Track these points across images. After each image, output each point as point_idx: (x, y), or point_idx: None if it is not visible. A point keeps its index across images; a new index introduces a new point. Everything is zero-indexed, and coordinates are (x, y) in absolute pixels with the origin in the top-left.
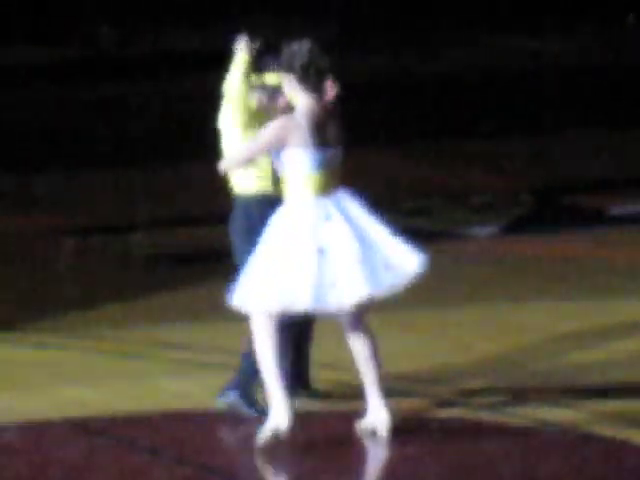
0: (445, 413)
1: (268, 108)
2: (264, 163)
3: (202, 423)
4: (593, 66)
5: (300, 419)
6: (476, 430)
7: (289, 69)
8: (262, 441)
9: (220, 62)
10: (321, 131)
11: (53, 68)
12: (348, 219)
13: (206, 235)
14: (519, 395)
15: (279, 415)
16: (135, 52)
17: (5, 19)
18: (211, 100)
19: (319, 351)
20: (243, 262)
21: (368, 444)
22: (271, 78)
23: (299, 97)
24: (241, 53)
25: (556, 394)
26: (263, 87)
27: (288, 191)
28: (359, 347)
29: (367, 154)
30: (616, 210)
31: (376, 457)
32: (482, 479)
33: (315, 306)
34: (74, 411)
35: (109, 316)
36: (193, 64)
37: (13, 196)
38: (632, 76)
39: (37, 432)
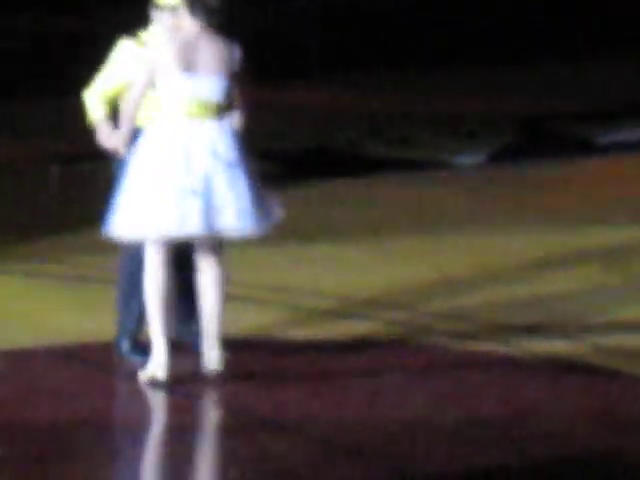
0: (427, 340)
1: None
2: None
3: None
4: None
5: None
6: (460, 358)
7: None
8: (142, 382)
9: None
10: (193, 57)
11: None
12: (212, 153)
13: None
14: (504, 325)
15: (158, 364)
16: None
17: None
18: None
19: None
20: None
21: (352, 372)
22: None
23: (185, 21)
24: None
25: (537, 323)
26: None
27: (158, 115)
28: (209, 276)
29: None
30: (602, 138)
31: (357, 387)
32: (463, 406)
33: (204, 230)
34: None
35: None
36: None
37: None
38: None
39: (20, 359)
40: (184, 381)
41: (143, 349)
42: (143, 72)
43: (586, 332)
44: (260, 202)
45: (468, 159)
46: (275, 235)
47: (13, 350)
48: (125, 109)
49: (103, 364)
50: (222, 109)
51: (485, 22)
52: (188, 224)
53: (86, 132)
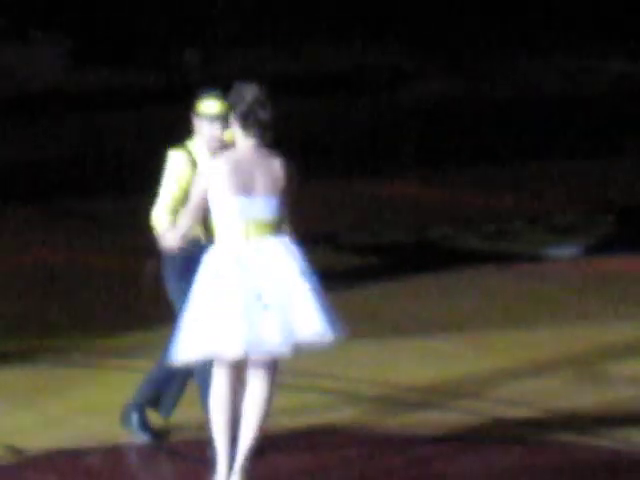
0: (532, 434)
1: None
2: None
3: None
4: None
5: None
6: (564, 450)
7: (232, 110)
8: None
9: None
10: (248, 179)
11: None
12: (277, 268)
13: None
14: (605, 416)
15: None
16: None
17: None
18: None
19: None
20: (179, 310)
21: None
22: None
23: (238, 139)
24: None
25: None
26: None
27: (216, 236)
28: (256, 395)
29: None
30: None
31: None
32: None
33: (248, 352)
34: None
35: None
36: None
37: None
38: None
39: (120, 455)
40: None
41: (149, 428)
42: (198, 189)
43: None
44: (328, 309)
45: (564, 252)
46: (374, 327)
47: (114, 445)
48: (181, 222)
49: (201, 460)
50: (278, 225)
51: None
52: (267, 342)
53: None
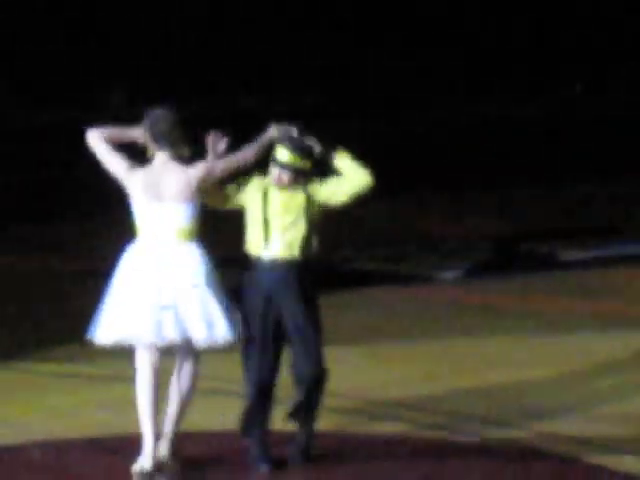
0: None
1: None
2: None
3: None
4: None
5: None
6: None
7: (147, 131)
8: (135, 473)
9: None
10: (156, 186)
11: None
12: (180, 272)
13: None
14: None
15: (145, 456)
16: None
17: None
18: None
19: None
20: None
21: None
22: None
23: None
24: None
25: (516, 417)
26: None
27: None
28: (183, 374)
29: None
30: (566, 256)
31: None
32: None
33: (177, 336)
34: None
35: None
36: None
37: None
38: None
39: (59, 450)
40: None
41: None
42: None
43: (533, 420)
44: (225, 316)
45: (449, 274)
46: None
47: (47, 441)
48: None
49: (127, 455)
50: (191, 233)
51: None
52: (164, 332)
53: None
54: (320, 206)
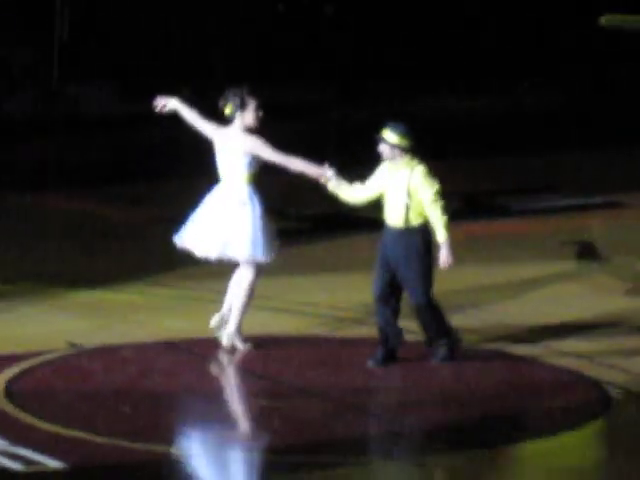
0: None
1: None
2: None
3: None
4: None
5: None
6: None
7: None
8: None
9: None
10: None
11: None
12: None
13: None
14: None
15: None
16: None
17: None
18: None
19: None
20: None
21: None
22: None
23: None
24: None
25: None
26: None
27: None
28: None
29: None
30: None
31: None
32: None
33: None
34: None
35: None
36: None
37: None
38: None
39: (137, 350)
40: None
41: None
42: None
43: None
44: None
45: None
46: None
47: (135, 344)
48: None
49: (203, 353)
50: (249, 179)
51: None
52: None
53: None
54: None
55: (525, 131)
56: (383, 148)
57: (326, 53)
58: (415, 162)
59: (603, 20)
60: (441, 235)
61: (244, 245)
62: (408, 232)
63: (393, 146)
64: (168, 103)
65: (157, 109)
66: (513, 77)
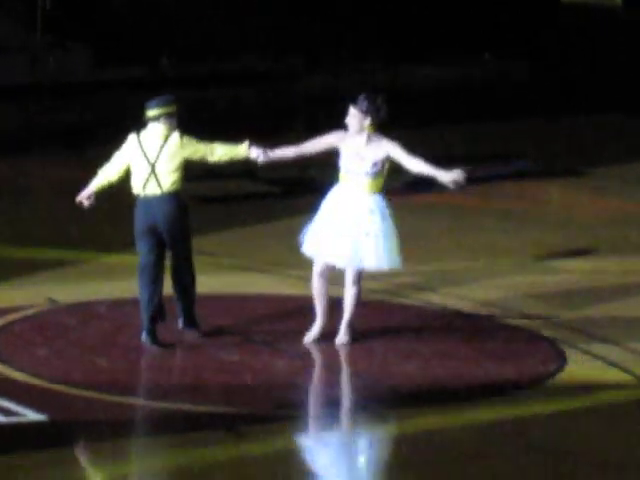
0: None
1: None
2: None
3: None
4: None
5: None
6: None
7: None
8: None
9: None
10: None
11: None
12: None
13: None
14: None
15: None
16: None
17: None
18: None
19: None
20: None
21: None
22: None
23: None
24: None
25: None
26: None
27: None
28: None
29: None
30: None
31: None
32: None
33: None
34: None
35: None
36: None
37: None
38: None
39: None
40: None
41: None
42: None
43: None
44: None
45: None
46: None
47: (111, 300)
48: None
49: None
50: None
51: None
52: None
53: None
54: None
55: (491, 99)
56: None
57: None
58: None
59: None
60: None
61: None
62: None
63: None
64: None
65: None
66: (477, 47)
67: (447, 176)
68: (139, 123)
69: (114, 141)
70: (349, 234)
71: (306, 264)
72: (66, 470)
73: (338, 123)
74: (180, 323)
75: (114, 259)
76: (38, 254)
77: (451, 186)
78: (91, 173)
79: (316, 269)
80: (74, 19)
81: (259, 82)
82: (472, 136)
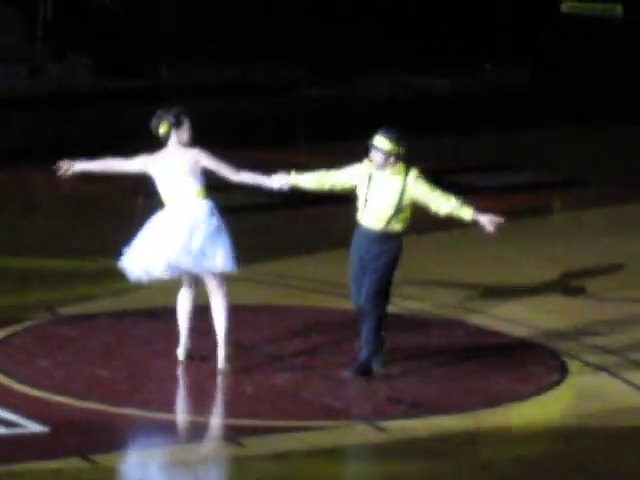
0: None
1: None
2: None
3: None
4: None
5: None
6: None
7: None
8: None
9: None
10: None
11: None
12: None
13: None
14: None
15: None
16: None
17: None
18: None
19: None
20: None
21: None
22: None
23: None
24: None
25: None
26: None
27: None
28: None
29: None
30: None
31: None
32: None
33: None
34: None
35: None
36: None
37: None
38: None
39: (115, 318)
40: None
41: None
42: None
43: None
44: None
45: None
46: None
47: (113, 312)
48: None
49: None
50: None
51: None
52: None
53: None
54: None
55: (489, 110)
56: (375, 156)
57: (297, 34)
58: (406, 166)
59: (564, 7)
60: (469, 212)
61: (223, 257)
62: (387, 236)
63: (387, 153)
64: (71, 167)
65: (60, 173)
66: (478, 57)
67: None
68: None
69: (114, 151)
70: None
71: (307, 275)
72: None
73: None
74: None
75: (117, 269)
76: (39, 265)
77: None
78: (92, 183)
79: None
80: (74, 29)
81: (260, 91)
82: (471, 146)
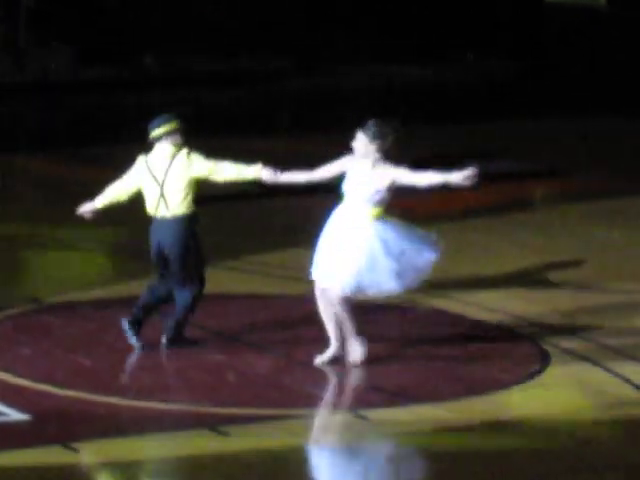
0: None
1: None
2: None
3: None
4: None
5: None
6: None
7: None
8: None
9: None
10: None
11: None
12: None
13: None
14: None
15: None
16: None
17: None
18: None
19: None
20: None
21: None
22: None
23: None
24: None
25: None
26: None
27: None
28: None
29: None
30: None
31: None
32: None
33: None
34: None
35: None
36: None
37: None
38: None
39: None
40: None
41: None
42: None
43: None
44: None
45: None
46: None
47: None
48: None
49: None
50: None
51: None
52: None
53: None
54: None
55: (473, 99)
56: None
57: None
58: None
59: None
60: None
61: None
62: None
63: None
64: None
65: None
66: (460, 46)
67: (459, 175)
68: (148, 146)
69: (98, 140)
70: (345, 258)
71: (289, 264)
72: (49, 470)
73: (331, 123)
74: (163, 339)
75: (100, 259)
76: (22, 253)
77: (466, 183)
78: (76, 171)
79: (316, 292)
80: (58, 17)
81: (247, 81)
82: (456, 135)
